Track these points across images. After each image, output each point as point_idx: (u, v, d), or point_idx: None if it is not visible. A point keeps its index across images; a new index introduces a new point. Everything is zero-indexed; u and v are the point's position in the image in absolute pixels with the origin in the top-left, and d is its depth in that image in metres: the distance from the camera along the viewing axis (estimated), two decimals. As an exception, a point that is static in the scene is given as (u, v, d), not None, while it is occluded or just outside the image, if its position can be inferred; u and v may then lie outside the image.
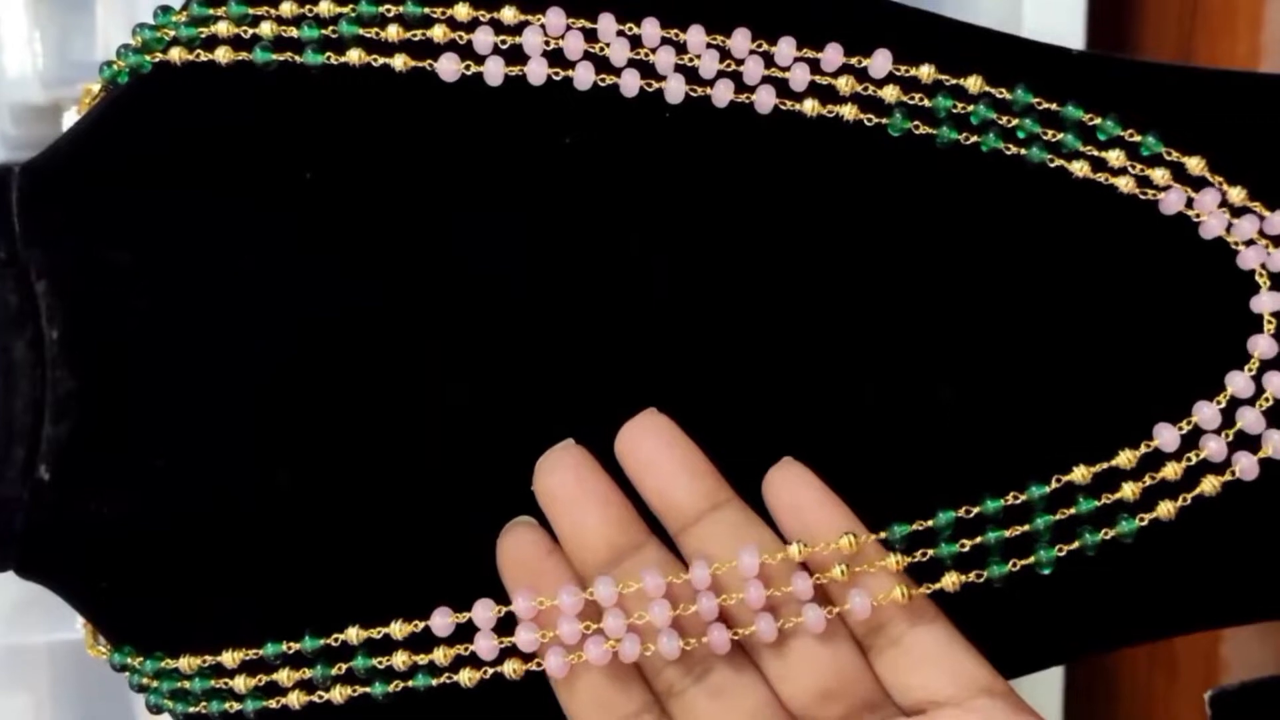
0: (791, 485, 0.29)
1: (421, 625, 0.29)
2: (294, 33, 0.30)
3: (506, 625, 0.29)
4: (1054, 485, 0.29)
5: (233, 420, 0.30)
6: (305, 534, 0.30)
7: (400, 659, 0.29)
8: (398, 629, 0.29)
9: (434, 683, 0.29)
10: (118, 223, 0.30)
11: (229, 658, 0.29)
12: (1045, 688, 0.58)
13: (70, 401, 0.29)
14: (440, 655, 0.29)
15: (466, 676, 0.29)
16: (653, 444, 0.29)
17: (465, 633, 0.29)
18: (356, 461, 0.30)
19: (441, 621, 0.29)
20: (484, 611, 0.29)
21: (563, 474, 0.29)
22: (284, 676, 0.29)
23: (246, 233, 0.30)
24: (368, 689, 0.29)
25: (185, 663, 0.30)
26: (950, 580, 0.28)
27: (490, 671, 0.29)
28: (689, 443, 0.29)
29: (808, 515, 0.28)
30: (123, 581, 0.30)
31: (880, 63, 0.29)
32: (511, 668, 0.28)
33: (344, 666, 0.29)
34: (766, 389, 0.30)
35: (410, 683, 0.29)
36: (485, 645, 0.29)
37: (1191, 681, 0.57)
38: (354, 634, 0.29)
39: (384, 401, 0.30)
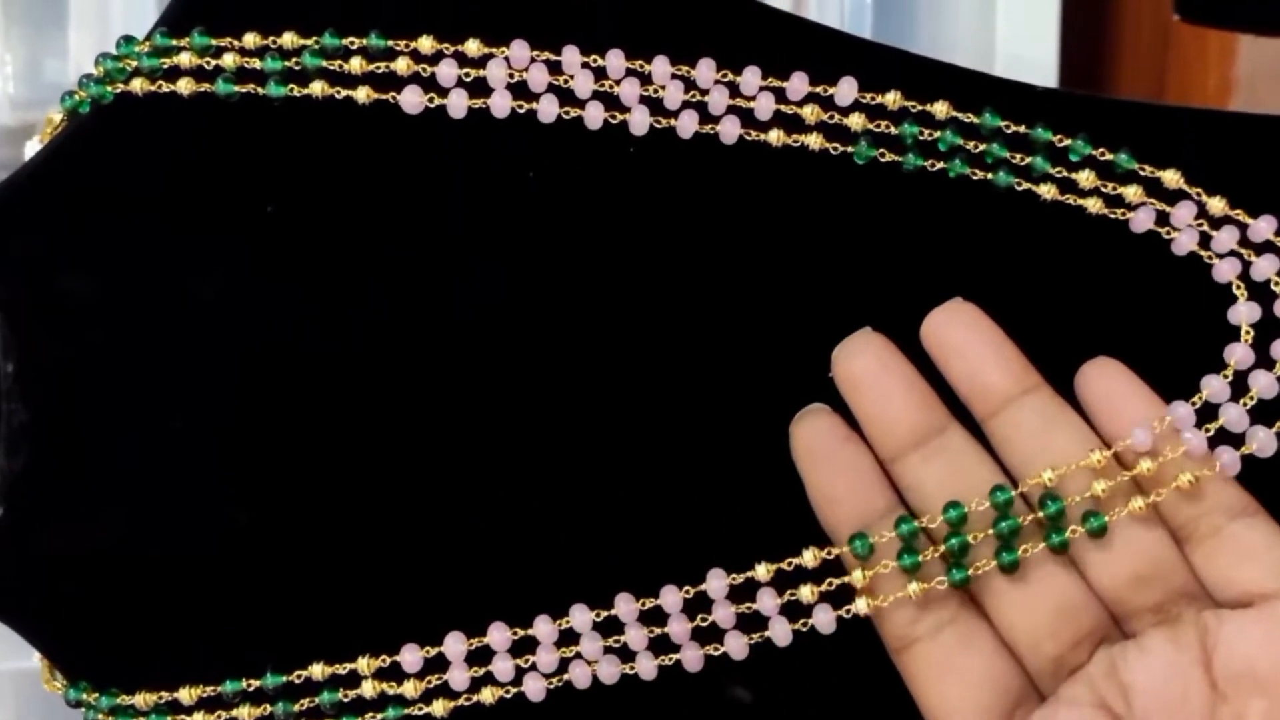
0: (1106, 377, 0.28)
1: (390, 660, 0.29)
2: (256, 64, 0.29)
3: (480, 657, 0.29)
4: (1019, 489, 0.28)
5: (191, 455, 0.29)
6: (265, 569, 0.30)
7: (369, 688, 0.29)
8: (365, 664, 0.29)
9: (405, 712, 0.29)
10: (75, 256, 0.29)
11: (186, 694, 0.29)
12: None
13: (24, 434, 0.29)
14: (410, 688, 0.29)
15: (441, 707, 0.29)
16: (961, 329, 0.28)
17: (432, 667, 0.29)
18: (317, 497, 0.30)
19: (411, 657, 0.29)
20: (455, 645, 0.29)
21: (865, 358, 0.28)
22: (244, 713, 0.29)
23: (207, 266, 0.29)
24: (335, 724, 0.29)
25: (141, 699, 0.29)
26: (914, 589, 0.28)
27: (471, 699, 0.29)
28: (996, 329, 0.28)
29: (1119, 405, 0.28)
30: (77, 617, 0.29)
31: (846, 90, 0.29)
32: (490, 694, 0.29)
33: (308, 702, 0.29)
34: (736, 415, 0.30)
35: (380, 715, 0.29)
36: (459, 677, 0.29)
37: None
38: (318, 670, 0.29)
39: (345, 437, 0.30)
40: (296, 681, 0.29)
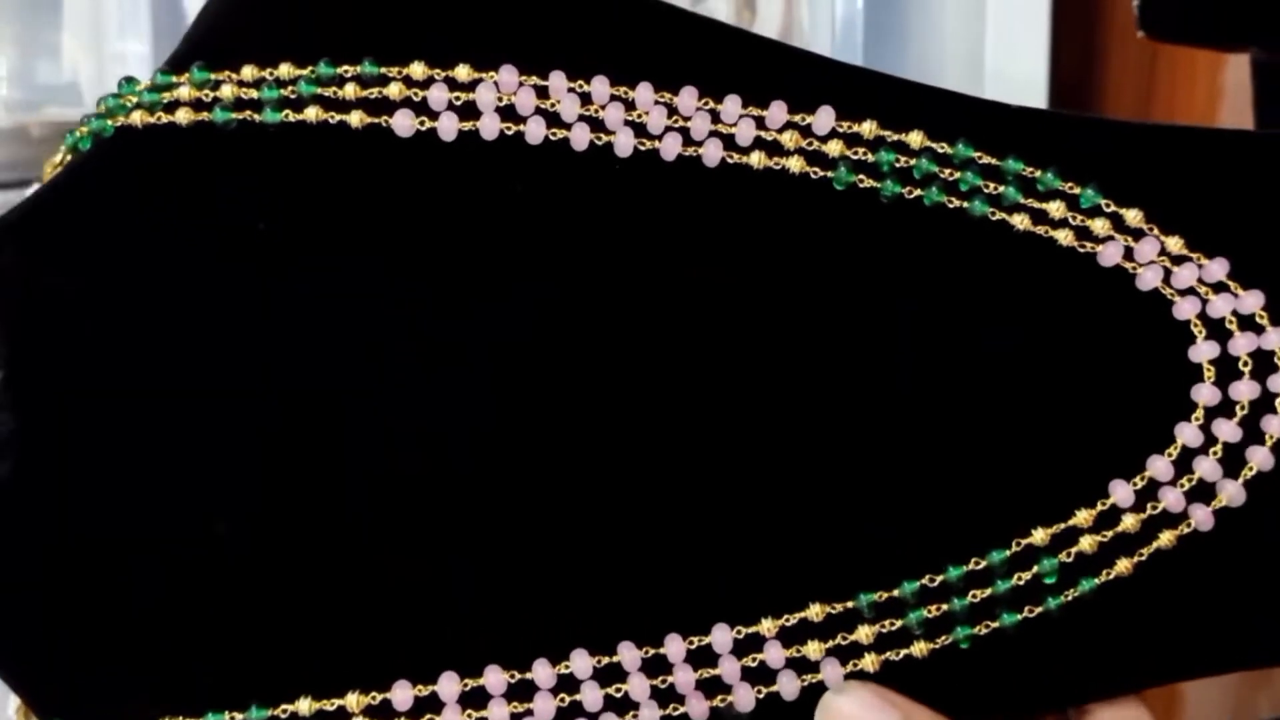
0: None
1: (380, 698, 0.28)
2: (253, 94, 0.30)
3: (475, 699, 0.28)
4: (1014, 549, 0.29)
5: (177, 475, 0.29)
6: (252, 598, 0.29)
7: None
8: (353, 700, 0.28)
9: None
10: (71, 276, 0.30)
11: (165, 727, 0.29)
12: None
13: (12, 442, 0.29)
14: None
15: None
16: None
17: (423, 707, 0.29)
18: (307, 522, 0.29)
19: (402, 695, 0.28)
20: (449, 685, 0.29)
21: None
22: None
23: (202, 290, 0.30)
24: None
25: (115, 736, 0.29)
26: (919, 648, 0.29)
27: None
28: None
29: None
30: (53, 648, 0.29)
31: (824, 119, 0.30)
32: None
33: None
34: (701, 452, 0.30)
35: None
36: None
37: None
38: (305, 706, 0.28)
39: (342, 459, 0.29)
40: (282, 716, 0.29)
